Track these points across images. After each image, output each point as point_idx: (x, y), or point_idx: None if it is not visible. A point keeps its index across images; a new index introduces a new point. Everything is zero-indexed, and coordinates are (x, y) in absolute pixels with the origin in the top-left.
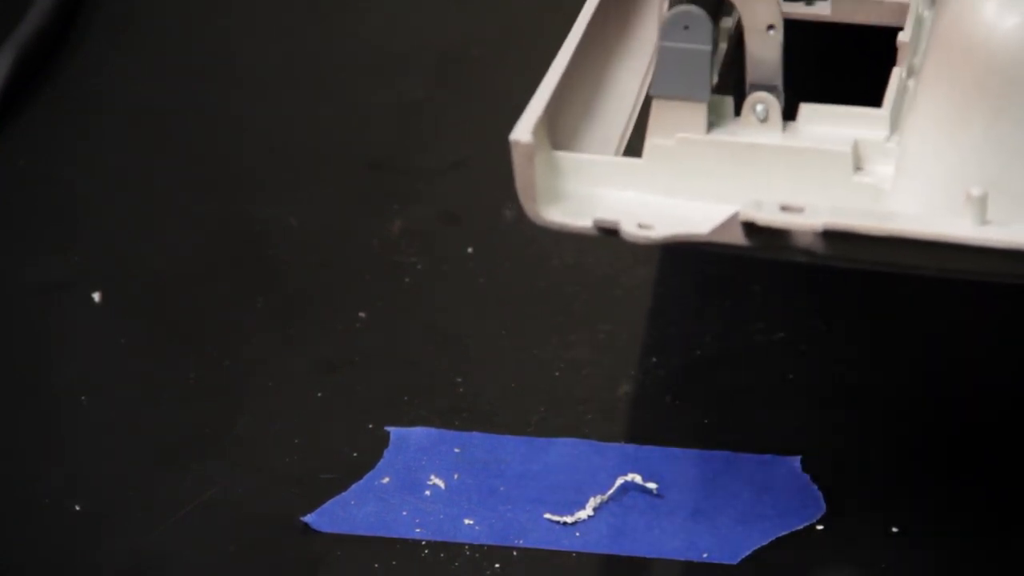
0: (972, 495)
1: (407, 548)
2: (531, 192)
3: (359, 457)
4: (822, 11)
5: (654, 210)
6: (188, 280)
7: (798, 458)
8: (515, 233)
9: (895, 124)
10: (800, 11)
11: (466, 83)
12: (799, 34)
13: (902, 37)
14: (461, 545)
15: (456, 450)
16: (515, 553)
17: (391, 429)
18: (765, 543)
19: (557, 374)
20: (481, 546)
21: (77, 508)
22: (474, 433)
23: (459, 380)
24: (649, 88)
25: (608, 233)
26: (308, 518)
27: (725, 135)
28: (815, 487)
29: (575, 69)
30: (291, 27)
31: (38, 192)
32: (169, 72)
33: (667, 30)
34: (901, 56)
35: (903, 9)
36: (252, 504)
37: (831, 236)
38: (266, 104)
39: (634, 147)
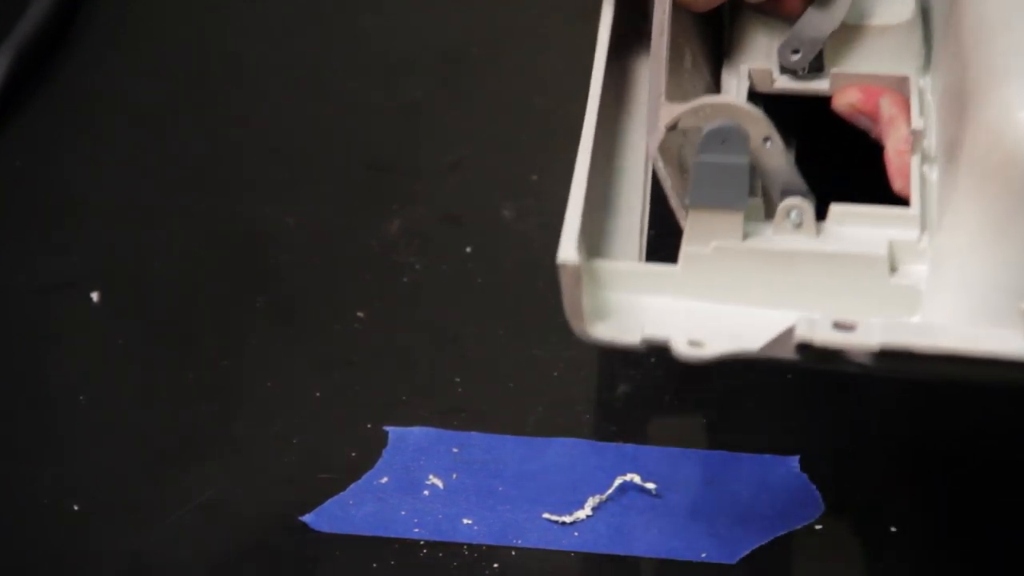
0: (972, 495)
1: (405, 548)
2: (579, 311)
3: (357, 457)
4: (820, 86)
5: (695, 319)
6: (188, 280)
7: (797, 458)
8: (514, 233)
9: (925, 222)
10: (799, 87)
11: (466, 83)
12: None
13: (916, 124)
14: (460, 545)
15: (454, 450)
16: (514, 553)
17: (389, 429)
18: (764, 543)
19: (556, 374)
20: (479, 546)
21: (76, 508)
22: (472, 433)
23: (458, 380)
24: (686, 200)
25: (658, 349)
26: (307, 518)
27: (761, 242)
28: (814, 487)
29: (593, 171)
30: (291, 27)
31: (38, 192)
32: (169, 72)
33: (705, 144)
34: (915, 144)
35: (901, 82)
36: (251, 504)
37: (886, 354)
38: (266, 104)
39: (652, 243)
